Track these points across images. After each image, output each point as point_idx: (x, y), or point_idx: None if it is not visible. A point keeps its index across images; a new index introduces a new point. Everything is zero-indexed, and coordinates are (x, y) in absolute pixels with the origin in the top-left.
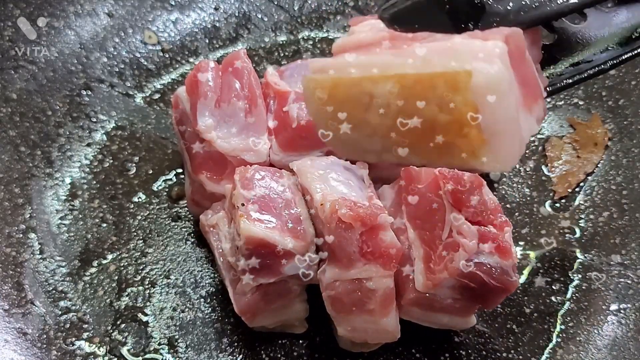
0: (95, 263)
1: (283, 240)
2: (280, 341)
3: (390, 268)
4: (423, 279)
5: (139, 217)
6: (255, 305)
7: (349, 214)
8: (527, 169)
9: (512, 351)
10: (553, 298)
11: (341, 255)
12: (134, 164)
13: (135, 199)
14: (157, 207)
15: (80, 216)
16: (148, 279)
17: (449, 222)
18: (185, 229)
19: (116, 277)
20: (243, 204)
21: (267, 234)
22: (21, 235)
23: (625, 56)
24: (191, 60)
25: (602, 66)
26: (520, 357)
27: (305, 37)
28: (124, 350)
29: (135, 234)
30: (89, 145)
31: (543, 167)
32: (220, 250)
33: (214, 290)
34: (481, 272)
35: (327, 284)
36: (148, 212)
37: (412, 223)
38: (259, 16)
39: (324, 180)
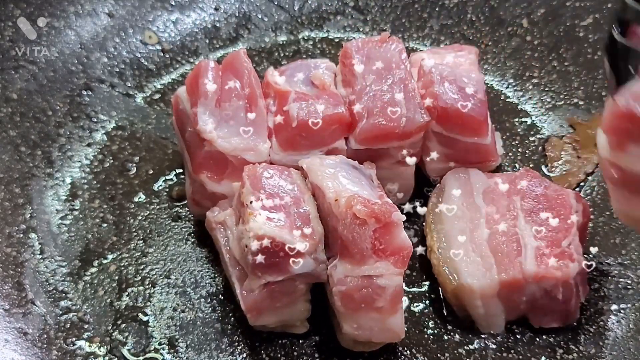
0: (95, 263)
1: (292, 239)
2: (280, 341)
3: (402, 266)
4: (536, 267)
5: (140, 217)
6: (261, 303)
7: (364, 210)
8: None
9: (512, 351)
10: None
11: (354, 251)
12: (134, 164)
13: (136, 199)
14: (158, 207)
15: (81, 216)
16: (148, 279)
17: (572, 238)
18: (185, 229)
19: (116, 277)
20: (252, 202)
21: (277, 232)
22: (21, 235)
23: None
24: (191, 60)
25: None
26: (520, 357)
27: (305, 37)
28: (124, 350)
29: (136, 234)
30: (89, 145)
31: (543, 167)
32: (228, 248)
33: (214, 290)
34: (573, 291)
35: (339, 279)
36: (148, 212)
37: (527, 215)
38: (259, 16)
39: (334, 179)
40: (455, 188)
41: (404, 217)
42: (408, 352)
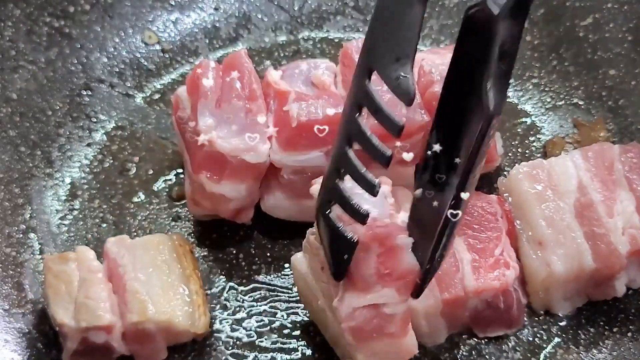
0: None
1: None
2: (280, 341)
3: (406, 292)
4: (475, 282)
5: (139, 217)
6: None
7: (367, 233)
8: None
9: (512, 351)
10: None
11: (358, 278)
12: (134, 164)
13: (136, 199)
14: (157, 207)
15: (81, 216)
16: None
17: (504, 244)
18: (185, 229)
19: None
20: None
21: None
22: (21, 235)
23: None
24: (191, 60)
25: None
26: (520, 357)
27: (305, 37)
28: None
29: (136, 234)
30: (89, 145)
31: None
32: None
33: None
34: (513, 297)
35: (347, 315)
36: (148, 212)
37: (460, 230)
38: (259, 16)
39: None
40: None
41: (411, 240)
42: None
